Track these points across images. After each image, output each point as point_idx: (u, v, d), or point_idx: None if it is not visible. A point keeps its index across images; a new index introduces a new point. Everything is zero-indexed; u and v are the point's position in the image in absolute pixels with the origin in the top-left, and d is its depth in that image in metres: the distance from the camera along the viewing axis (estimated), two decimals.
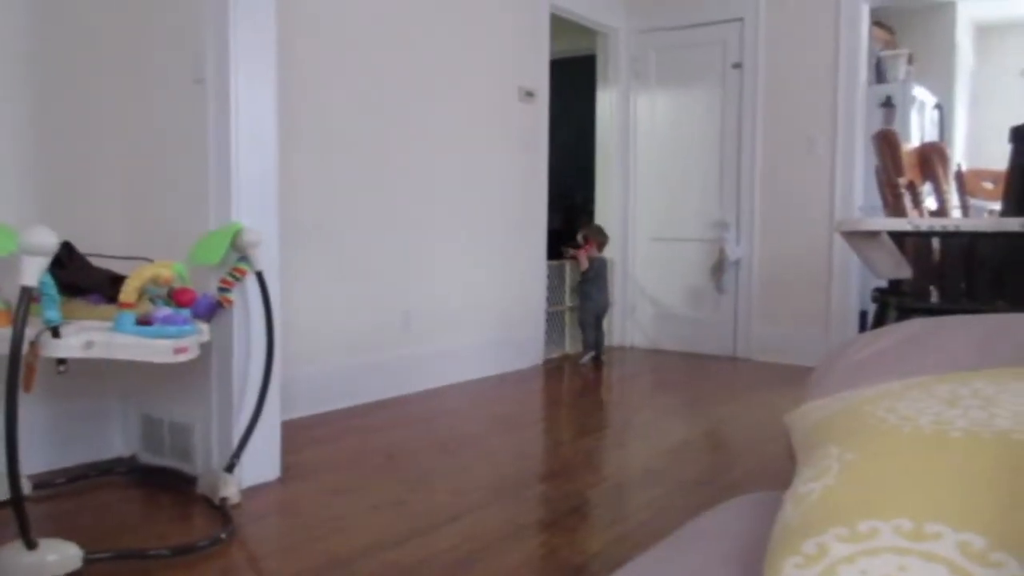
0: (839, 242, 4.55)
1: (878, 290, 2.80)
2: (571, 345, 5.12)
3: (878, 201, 3.38)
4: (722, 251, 5.01)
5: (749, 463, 2.79)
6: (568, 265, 5.12)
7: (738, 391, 4.16)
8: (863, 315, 4.79)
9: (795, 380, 4.29)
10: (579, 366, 4.73)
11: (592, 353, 4.80)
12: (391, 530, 2.12)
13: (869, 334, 1.23)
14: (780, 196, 4.88)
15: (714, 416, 3.52)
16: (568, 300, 5.14)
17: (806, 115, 4.77)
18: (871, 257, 2.59)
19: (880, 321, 2.58)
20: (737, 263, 5.01)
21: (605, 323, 5.09)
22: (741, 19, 4.94)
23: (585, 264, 4.84)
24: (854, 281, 4.68)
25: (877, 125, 4.66)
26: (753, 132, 4.93)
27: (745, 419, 3.45)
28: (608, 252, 5.31)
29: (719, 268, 5.04)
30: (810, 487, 0.73)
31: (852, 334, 4.66)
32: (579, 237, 4.95)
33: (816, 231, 4.74)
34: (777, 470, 2.68)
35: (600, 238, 4.96)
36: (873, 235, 2.56)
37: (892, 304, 2.58)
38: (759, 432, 3.22)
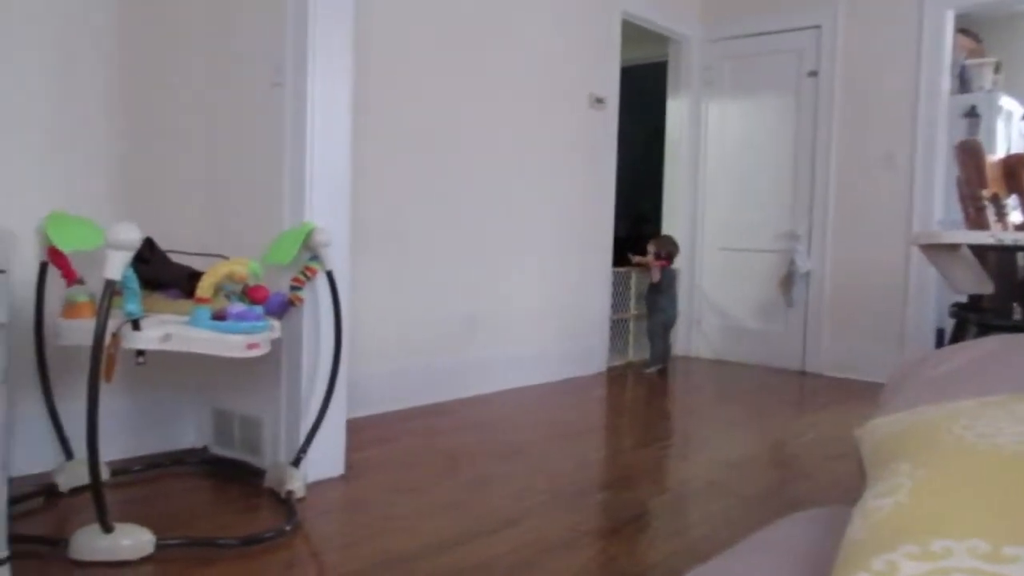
0: (916, 256, 4.41)
1: (957, 305, 2.70)
2: (635, 353, 5.08)
3: (958, 214, 3.26)
4: (792, 263, 4.91)
5: (816, 480, 2.73)
6: (634, 273, 5.08)
7: (806, 406, 4.06)
8: (940, 332, 4.62)
9: (867, 397, 4.17)
10: (643, 375, 4.69)
11: (659, 366, 4.75)
12: (450, 531, 2.13)
13: (946, 349, 1.19)
14: (855, 208, 4.75)
15: (780, 431, 3.45)
16: (633, 308, 5.10)
17: (884, 125, 4.64)
18: (951, 271, 2.50)
19: (958, 337, 2.49)
20: (807, 275, 4.90)
21: (670, 333, 5.05)
22: (818, 27, 4.84)
23: (658, 277, 4.79)
24: (931, 297, 4.52)
25: (960, 136, 4.50)
26: (828, 142, 4.82)
27: (813, 435, 3.37)
28: (676, 261, 5.25)
29: (789, 280, 4.93)
30: (880, 503, 0.71)
31: (927, 350, 4.51)
32: (649, 248, 4.89)
33: (892, 244, 4.60)
34: (846, 488, 2.61)
35: (671, 249, 4.91)
36: (953, 249, 2.47)
37: (972, 320, 2.48)
38: (827, 449, 3.14)
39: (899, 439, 0.84)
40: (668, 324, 4.86)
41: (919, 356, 1.26)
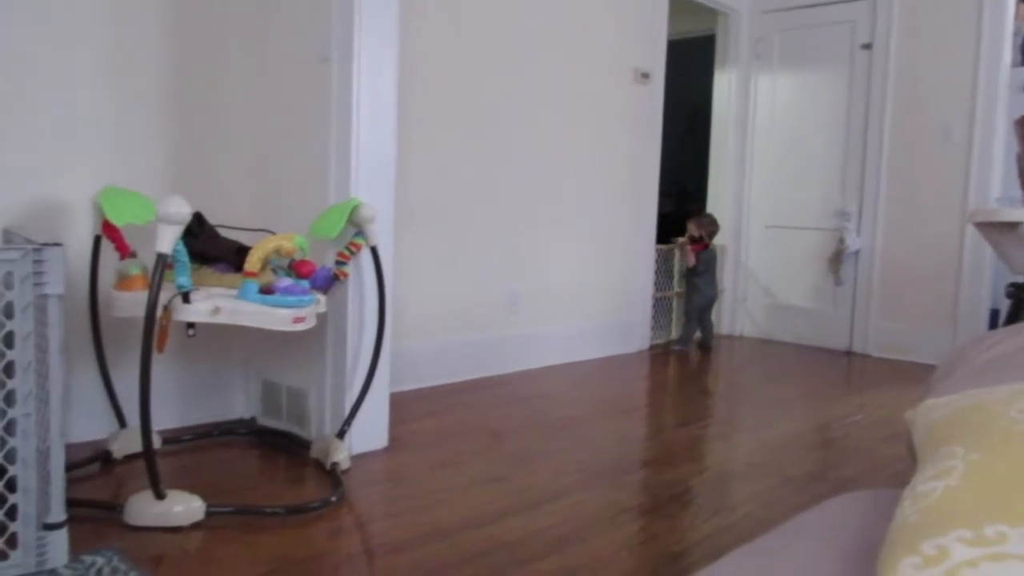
0: (972, 235, 4.29)
1: (1013, 285, 2.62)
2: (677, 331, 5.04)
3: (1017, 191, 3.16)
4: (841, 241, 4.81)
5: (862, 462, 2.69)
6: (677, 251, 5.03)
7: (853, 387, 4.00)
8: (994, 313, 4.50)
9: (917, 378, 4.09)
10: (672, 351, 4.67)
11: (686, 346, 4.73)
12: (492, 506, 2.15)
13: (1001, 331, 1.16)
14: (908, 185, 4.63)
15: (826, 411, 3.40)
16: (676, 286, 5.06)
17: (941, 98, 4.49)
18: (1009, 251, 2.43)
19: (1014, 318, 2.42)
20: (857, 254, 4.80)
21: (714, 312, 5.01)
22: None
23: (693, 261, 4.78)
24: (986, 276, 4.39)
25: (1020, 110, 4.34)
26: (881, 117, 4.69)
27: (860, 416, 3.32)
28: (720, 239, 5.19)
29: (837, 258, 4.84)
30: (931, 486, 0.69)
31: (982, 331, 4.40)
32: (690, 226, 4.86)
33: (946, 222, 4.48)
34: (893, 471, 2.57)
35: (712, 228, 4.86)
36: (1011, 227, 2.40)
37: None
38: (875, 431, 3.09)
39: (952, 422, 0.82)
40: (705, 305, 4.83)
41: (973, 337, 1.22)
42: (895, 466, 2.62)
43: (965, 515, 0.63)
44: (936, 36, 4.50)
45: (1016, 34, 4.64)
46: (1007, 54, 4.37)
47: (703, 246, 4.82)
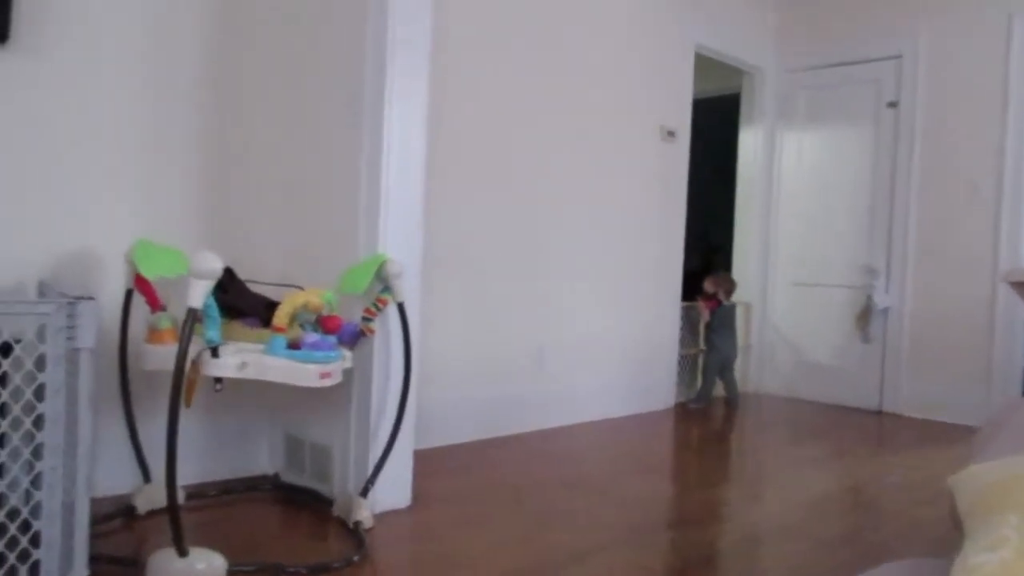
0: (1004, 293, 4.23)
1: None
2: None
3: None
4: (869, 298, 4.76)
5: (897, 525, 2.61)
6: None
7: (885, 447, 3.91)
8: None
9: (950, 439, 3.99)
10: (689, 409, 4.61)
11: (701, 404, 4.68)
12: (517, 566, 2.10)
13: None
14: (936, 242, 4.59)
15: (857, 472, 3.32)
16: (702, 343, 5.01)
17: (969, 156, 4.48)
18: None
19: None
20: (885, 312, 4.74)
21: (738, 369, 4.96)
22: (899, 56, 4.73)
23: (707, 317, 4.76)
24: (1020, 335, 4.31)
25: None
26: (908, 174, 4.68)
27: (892, 478, 3.23)
28: (746, 296, 5.16)
29: (866, 316, 4.78)
30: (985, 558, 0.67)
31: (1016, 391, 4.29)
32: (705, 283, 4.87)
33: (977, 280, 4.42)
34: (931, 536, 2.49)
35: (727, 286, 4.86)
36: None
37: None
38: (909, 493, 3.00)
39: (1002, 489, 0.80)
40: (723, 362, 4.79)
41: (1015, 399, 1.19)
42: (932, 530, 2.53)
43: None
44: (962, 93, 4.51)
45: None
46: None
47: (716, 303, 4.81)
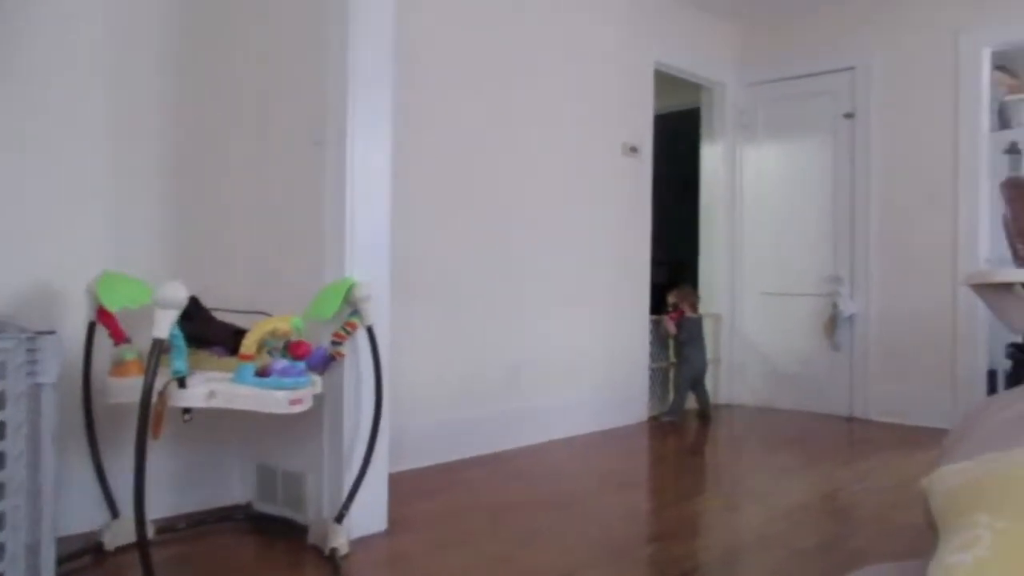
0: (965, 296, 4.31)
1: (1014, 346, 2.61)
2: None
3: (1006, 252, 3.18)
4: (835, 306, 4.83)
5: (872, 531, 2.63)
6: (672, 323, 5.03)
7: (857, 453, 3.94)
8: (991, 374, 4.48)
9: (920, 442, 4.04)
10: (662, 422, 4.62)
11: (674, 417, 4.69)
12: None
13: (1012, 392, 1.14)
14: (898, 248, 4.67)
15: (833, 479, 3.34)
16: (672, 356, 5.04)
17: (924, 164, 4.58)
18: (1006, 311, 2.43)
19: (1016, 379, 2.40)
20: (852, 319, 4.81)
21: (710, 380, 4.99)
22: (853, 68, 4.83)
23: (673, 329, 4.79)
24: (981, 337, 4.39)
25: (1003, 173, 4.43)
26: (868, 183, 4.77)
27: (867, 483, 3.26)
28: (714, 308, 5.21)
29: (832, 324, 4.85)
30: (960, 558, 0.67)
31: (981, 393, 4.37)
32: (670, 300, 4.90)
33: (938, 284, 4.50)
34: (906, 540, 2.51)
35: (692, 298, 4.90)
36: (1007, 288, 2.41)
37: None
38: (883, 497, 3.03)
39: (972, 489, 0.81)
40: (695, 374, 4.81)
41: (983, 401, 1.21)
42: (907, 534, 2.56)
43: None
44: (915, 104, 4.62)
45: (993, 100, 4.77)
46: (985, 119, 4.48)
47: (680, 314, 4.84)
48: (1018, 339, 2.67)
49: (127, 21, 2.56)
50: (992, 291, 2.46)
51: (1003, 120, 5.24)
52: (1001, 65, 5.12)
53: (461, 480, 3.21)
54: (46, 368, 1.55)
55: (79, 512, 2.38)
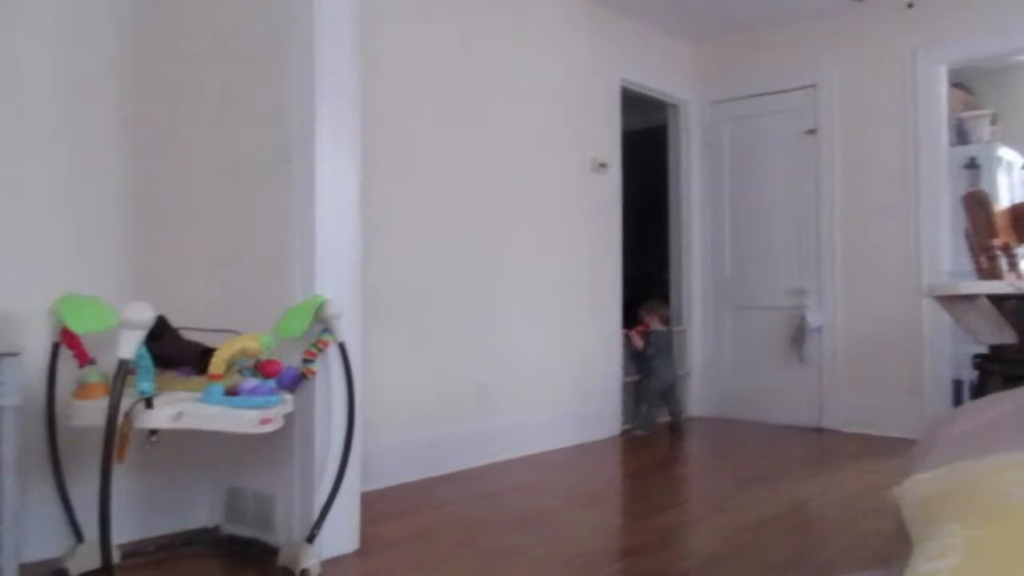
0: (928, 308, 4.39)
1: (980, 356, 2.66)
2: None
3: (967, 265, 3.25)
4: (802, 318, 4.89)
5: (842, 541, 2.65)
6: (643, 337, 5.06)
7: (825, 463, 3.98)
8: (957, 384, 4.56)
9: (887, 452, 4.09)
10: (634, 435, 4.64)
11: (646, 430, 4.71)
12: None
13: (979, 402, 1.16)
14: (862, 262, 4.75)
15: (801, 490, 3.37)
16: (641, 370, 5.06)
17: (886, 179, 4.67)
18: (970, 322, 2.48)
19: (982, 389, 2.45)
20: (818, 331, 4.87)
21: (681, 394, 5.02)
22: (814, 85, 4.92)
23: (639, 344, 4.81)
24: (946, 348, 4.48)
25: (962, 187, 4.52)
26: (832, 197, 4.85)
27: (835, 493, 3.29)
28: (684, 321, 5.25)
29: (799, 336, 4.91)
30: (934, 566, 0.68)
31: (947, 403, 4.44)
32: (640, 313, 4.94)
33: (902, 297, 4.58)
34: (874, 548, 2.54)
35: (661, 312, 4.94)
36: (970, 299, 2.45)
37: (996, 371, 2.44)
38: (851, 507, 3.06)
39: (944, 497, 0.82)
40: (665, 387, 4.83)
41: (951, 411, 1.23)
42: (874, 543, 2.58)
43: None
44: (876, 120, 4.71)
45: (951, 116, 4.88)
46: (943, 135, 4.58)
47: (645, 326, 4.87)
48: (983, 349, 2.72)
49: (79, 26, 2.52)
50: (957, 303, 2.50)
51: (961, 136, 5.37)
52: (958, 83, 5.26)
53: (433, 498, 3.19)
54: (7, 391, 1.52)
55: (42, 537, 2.31)
